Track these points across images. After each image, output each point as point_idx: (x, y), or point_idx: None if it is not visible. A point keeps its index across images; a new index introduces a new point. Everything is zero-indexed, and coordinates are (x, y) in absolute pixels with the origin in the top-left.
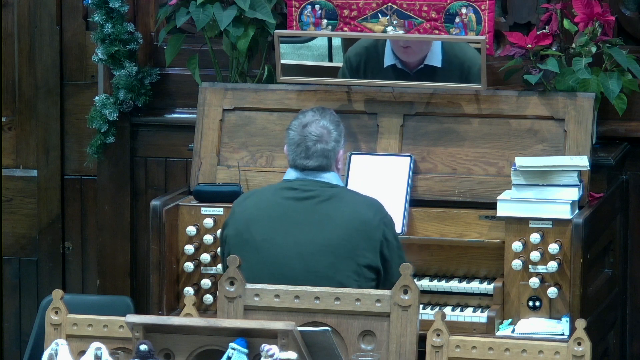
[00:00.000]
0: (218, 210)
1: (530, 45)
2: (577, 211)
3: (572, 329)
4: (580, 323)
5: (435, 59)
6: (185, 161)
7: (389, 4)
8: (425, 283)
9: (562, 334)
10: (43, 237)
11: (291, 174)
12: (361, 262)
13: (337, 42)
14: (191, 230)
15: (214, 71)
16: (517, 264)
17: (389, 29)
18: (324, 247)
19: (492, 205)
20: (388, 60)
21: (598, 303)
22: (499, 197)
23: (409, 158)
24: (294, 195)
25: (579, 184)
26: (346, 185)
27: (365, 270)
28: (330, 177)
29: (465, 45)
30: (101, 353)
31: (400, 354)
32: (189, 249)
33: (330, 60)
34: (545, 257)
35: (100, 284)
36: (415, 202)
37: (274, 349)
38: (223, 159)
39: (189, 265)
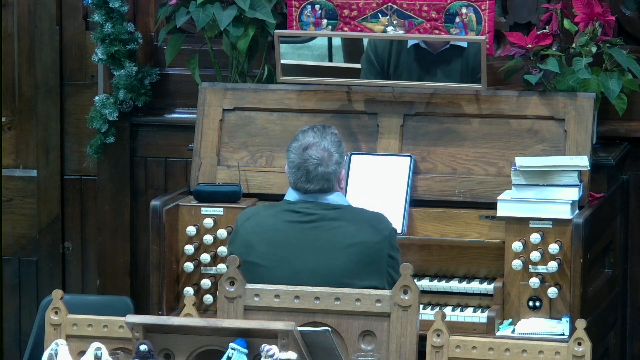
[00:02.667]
0: (218, 210)
1: (530, 45)
2: (577, 211)
3: (572, 329)
4: (581, 323)
5: None
6: (185, 161)
7: (389, 3)
8: (425, 283)
9: (562, 334)
10: (43, 237)
11: (292, 195)
12: (365, 286)
13: (337, 42)
14: (191, 230)
15: (214, 71)
16: (517, 264)
17: (389, 28)
18: (325, 274)
19: (492, 205)
20: (412, 40)
21: (598, 303)
22: (499, 197)
23: (409, 158)
24: (296, 218)
25: (579, 184)
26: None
27: None
28: (334, 198)
29: None
30: (101, 353)
31: (400, 354)
32: (189, 249)
33: (330, 60)
34: (546, 257)
35: (100, 284)
36: (415, 202)
37: (274, 349)
38: (223, 159)
39: (189, 265)
